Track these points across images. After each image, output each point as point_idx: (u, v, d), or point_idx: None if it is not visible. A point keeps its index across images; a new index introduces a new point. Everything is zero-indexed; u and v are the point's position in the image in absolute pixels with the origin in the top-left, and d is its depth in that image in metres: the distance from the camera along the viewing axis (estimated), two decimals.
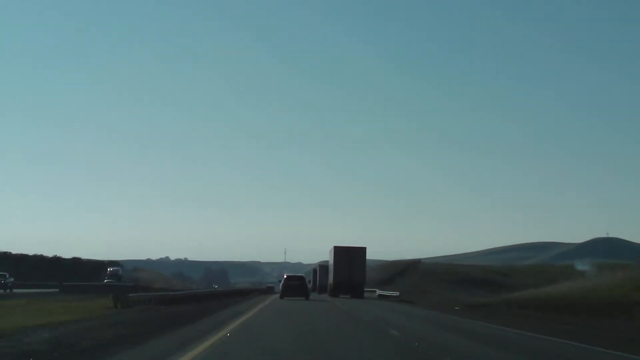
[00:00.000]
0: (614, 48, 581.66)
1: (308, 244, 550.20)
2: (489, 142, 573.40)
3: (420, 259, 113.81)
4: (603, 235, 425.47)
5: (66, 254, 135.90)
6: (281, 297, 56.07)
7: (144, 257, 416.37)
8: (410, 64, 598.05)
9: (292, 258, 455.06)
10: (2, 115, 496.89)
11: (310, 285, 73.29)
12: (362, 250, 68.53)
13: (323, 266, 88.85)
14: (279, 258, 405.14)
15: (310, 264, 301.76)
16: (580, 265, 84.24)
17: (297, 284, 56.59)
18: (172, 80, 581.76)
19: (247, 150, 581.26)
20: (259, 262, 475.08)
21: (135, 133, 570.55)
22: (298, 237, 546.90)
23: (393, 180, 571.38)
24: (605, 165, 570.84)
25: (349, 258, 67.18)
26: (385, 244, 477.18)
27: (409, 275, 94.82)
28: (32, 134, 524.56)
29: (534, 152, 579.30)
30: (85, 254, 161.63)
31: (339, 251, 68.59)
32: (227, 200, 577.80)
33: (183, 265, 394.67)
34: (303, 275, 63.85)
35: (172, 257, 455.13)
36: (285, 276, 59.57)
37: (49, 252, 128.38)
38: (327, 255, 79.51)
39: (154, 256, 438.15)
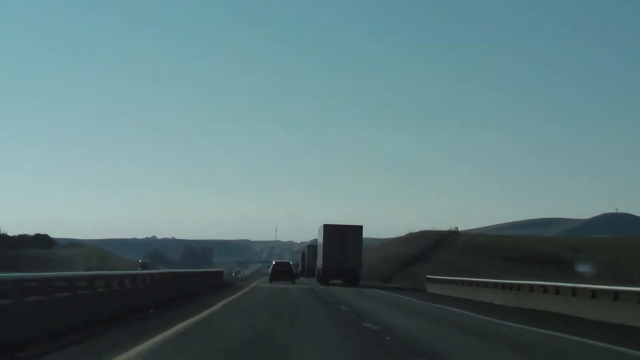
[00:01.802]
0: (619, 25, 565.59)
1: (300, 221, 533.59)
2: (494, 118, 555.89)
3: (457, 229, 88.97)
4: (612, 210, 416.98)
5: (54, 233, 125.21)
6: (270, 281, 60.53)
7: (130, 237, 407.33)
8: (411, 42, 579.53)
9: (284, 236, 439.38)
10: None
11: (299, 269, 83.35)
12: (358, 230, 58.19)
13: (311, 246, 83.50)
14: (269, 237, 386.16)
15: (302, 242, 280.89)
16: (581, 267, 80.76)
17: (284, 269, 62.09)
18: (159, 59, 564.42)
19: (237, 127, 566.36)
20: (248, 241, 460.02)
21: (122, 112, 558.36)
22: (290, 214, 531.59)
23: (389, 157, 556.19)
24: (614, 140, 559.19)
25: (342, 238, 57.34)
26: (381, 222, 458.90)
27: (446, 250, 69.52)
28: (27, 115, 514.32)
29: (540, 127, 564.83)
30: (75, 234, 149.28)
31: (330, 230, 58.44)
32: (217, 177, 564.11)
33: (168, 244, 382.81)
34: (289, 262, 70.04)
35: (159, 236, 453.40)
36: (273, 262, 65.86)
37: (33, 231, 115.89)
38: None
39: (140, 235, 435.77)
